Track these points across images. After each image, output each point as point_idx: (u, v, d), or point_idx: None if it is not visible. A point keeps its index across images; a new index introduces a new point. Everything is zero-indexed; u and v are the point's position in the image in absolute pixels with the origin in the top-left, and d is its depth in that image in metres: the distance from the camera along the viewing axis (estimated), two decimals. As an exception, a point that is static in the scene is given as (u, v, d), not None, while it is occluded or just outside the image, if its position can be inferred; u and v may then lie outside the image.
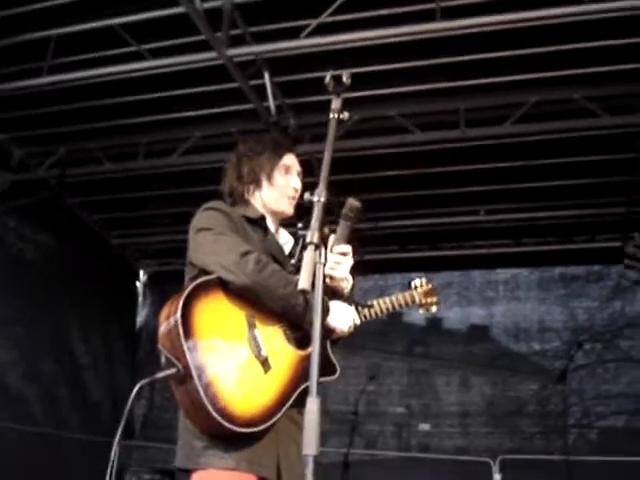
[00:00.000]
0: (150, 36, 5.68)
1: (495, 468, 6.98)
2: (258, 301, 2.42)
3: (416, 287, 3.01)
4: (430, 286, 3.05)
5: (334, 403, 8.70)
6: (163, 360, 2.36)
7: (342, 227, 2.50)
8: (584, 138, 6.14)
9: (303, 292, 1.76)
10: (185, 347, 2.28)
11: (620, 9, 4.76)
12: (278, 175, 2.73)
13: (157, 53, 5.69)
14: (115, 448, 2.33)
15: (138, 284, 9.55)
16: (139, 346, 9.13)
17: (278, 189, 2.72)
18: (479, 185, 7.17)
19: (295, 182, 2.75)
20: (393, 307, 2.85)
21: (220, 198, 2.74)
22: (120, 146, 7.15)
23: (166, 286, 2.33)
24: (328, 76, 2.08)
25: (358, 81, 5.57)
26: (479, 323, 9.09)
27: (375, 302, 2.79)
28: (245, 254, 2.39)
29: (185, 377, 2.28)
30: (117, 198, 8.10)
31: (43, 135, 7.06)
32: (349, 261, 2.61)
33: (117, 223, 8.76)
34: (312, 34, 5.31)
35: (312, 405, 1.68)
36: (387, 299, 2.84)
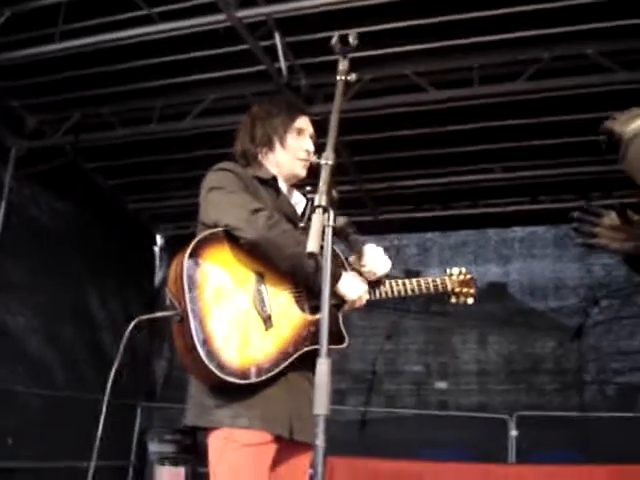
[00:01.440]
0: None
1: (512, 424, 7.04)
2: (267, 259, 2.44)
3: (451, 275, 2.92)
4: (469, 276, 2.94)
5: (352, 362, 8.78)
6: (167, 302, 2.41)
7: (349, 244, 2.52)
8: (599, 94, 6.06)
9: (312, 255, 1.77)
10: (186, 290, 2.32)
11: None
12: (291, 138, 2.76)
13: (167, 16, 5.65)
14: (106, 398, 2.37)
15: (155, 248, 9.61)
16: (157, 309, 9.21)
17: (291, 151, 2.75)
18: (494, 143, 7.12)
19: (308, 144, 2.78)
20: (420, 289, 2.80)
21: (233, 160, 2.76)
22: (133, 110, 7.14)
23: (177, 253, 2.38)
24: (334, 37, 2.07)
25: (370, 40, 5.56)
26: (495, 281, 9.10)
27: (401, 282, 2.77)
28: (256, 211, 2.42)
29: (183, 320, 2.31)
30: (132, 163, 8.12)
31: (56, 102, 7.06)
32: (381, 256, 2.65)
33: (132, 188, 8.79)
34: (322, -7, 5.27)
35: (322, 366, 1.71)
36: (415, 280, 2.80)
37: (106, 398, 2.42)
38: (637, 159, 2.05)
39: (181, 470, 7.73)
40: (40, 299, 7.46)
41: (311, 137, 2.82)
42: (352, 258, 2.68)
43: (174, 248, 9.21)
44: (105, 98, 6.95)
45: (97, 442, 2.45)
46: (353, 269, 2.70)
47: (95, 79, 6.62)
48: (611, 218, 2.21)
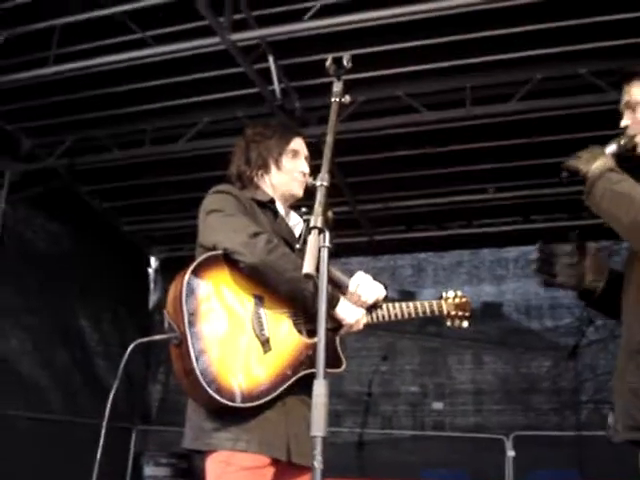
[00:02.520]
0: (153, 23, 5.68)
1: (509, 445, 7.02)
2: (266, 283, 2.44)
3: (447, 298, 2.93)
4: (464, 300, 2.95)
5: (348, 384, 8.75)
6: (166, 325, 2.40)
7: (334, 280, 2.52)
8: (591, 114, 6.10)
9: (308, 276, 1.78)
10: (185, 313, 2.32)
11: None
12: (286, 159, 2.77)
13: (161, 40, 5.70)
14: (104, 425, 2.36)
15: (150, 270, 9.59)
16: (151, 332, 9.19)
17: (287, 173, 2.76)
18: (487, 163, 7.16)
19: (303, 166, 2.80)
20: (416, 313, 2.81)
21: (228, 182, 2.77)
22: (127, 133, 7.17)
23: (177, 272, 2.36)
24: (329, 60, 2.09)
25: (363, 62, 5.61)
26: (490, 301, 9.10)
27: (398, 305, 2.78)
28: (255, 235, 2.43)
29: (181, 343, 2.31)
30: (126, 185, 8.13)
31: (51, 125, 7.09)
32: (371, 285, 2.64)
33: (127, 210, 8.80)
34: (316, 16, 5.31)
35: (320, 387, 1.71)
36: (411, 304, 2.81)
37: (105, 423, 2.41)
38: (601, 197, 2.21)
39: (176, 494, 7.68)
40: (33, 322, 7.44)
41: (306, 158, 2.84)
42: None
43: (169, 270, 9.20)
44: (99, 121, 6.98)
45: (96, 466, 2.44)
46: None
47: (89, 102, 6.65)
48: (568, 253, 2.32)
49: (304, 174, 2.78)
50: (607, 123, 6.52)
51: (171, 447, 8.24)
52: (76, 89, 6.42)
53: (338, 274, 2.55)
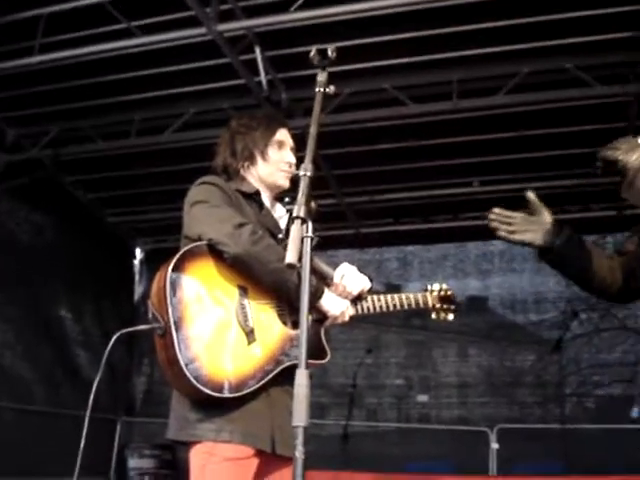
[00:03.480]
0: (139, 13, 5.63)
1: (493, 437, 7.06)
2: (250, 273, 2.43)
3: (432, 291, 2.93)
4: (449, 292, 2.95)
5: (333, 376, 8.76)
6: (150, 316, 2.39)
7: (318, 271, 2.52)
8: (577, 108, 6.13)
9: (291, 266, 1.77)
10: (169, 303, 2.31)
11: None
12: (272, 150, 2.76)
13: (147, 30, 5.66)
14: (87, 416, 2.36)
15: (134, 262, 9.55)
16: (136, 323, 9.12)
17: (272, 164, 2.75)
18: (473, 156, 7.18)
19: (289, 157, 2.78)
20: (401, 305, 2.80)
21: (214, 174, 2.76)
22: (113, 124, 7.13)
23: (162, 263, 2.36)
24: (313, 50, 2.09)
25: (350, 54, 5.60)
26: (475, 295, 9.14)
27: (383, 297, 2.76)
28: (240, 226, 2.42)
29: (165, 333, 2.30)
30: (111, 176, 8.09)
31: (36, 115, 7.04)
32: (356, 277, 2.64)
33: (112, 201, 8.76)
34: (302, 7, 5.29)
35: (301, 377, 1.71)
36: (396, 296, 2.80)
37: (88, 413, 2.39)
38: None
39: (161, 485, 7.69)
40: (16, 314, 7.41)
41: (292, 149, 2.82)
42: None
43: (153, 262, 9.17)
44: (84, 111, 6.93)
45: (79, 457, 2.42)
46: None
47: (74, 92, 6.60)
48: (525, 212, 2.36)
49: (290, 165, 2.77)
50: (593, 117, 6.60)
51: (155, 439, 8.24)
52: (61, 79, 6.38)
53: (322, 266, 2.55)
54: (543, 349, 8.19)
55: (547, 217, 2.35)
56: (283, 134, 2.81)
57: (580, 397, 8.54)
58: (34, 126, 7.22)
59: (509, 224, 2.34)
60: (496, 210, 2.35)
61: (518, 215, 2.35)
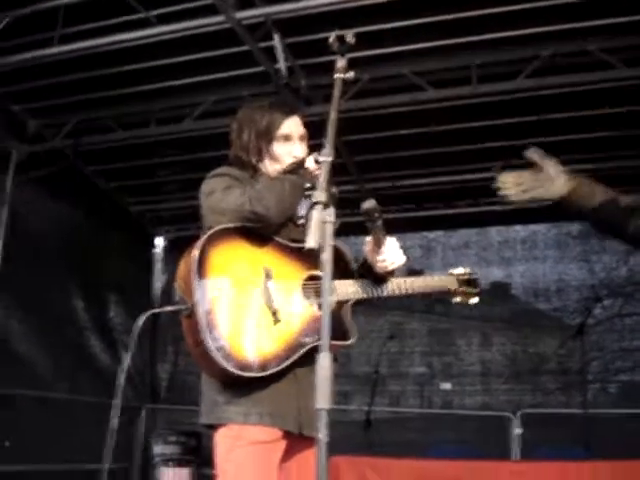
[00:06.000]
0: (157, 2, 5.65)
1: (516, 422, 7.04)
2: (282, 222, 2.52)
3: (456, 274, 2.91)
4: (473, 276, 2.93)
5: (357, 365, 8.78)
6: (177, 298, 2.43)
7: (374, 230, 2.49)
8: (600, 90, 6.06)
9: (312, 250, 1.78)
10: (195, 284, 2.35)
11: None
12: (277, 145, 2.73)
13: (165, 19, 5.67)
14: (119, 401, 2.39)
15: (156, 251, 9.58)
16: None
17: (279, 159, 2.72)
18: (493, 141, 7.13)
19: (296, 150, 2.73)
20: (425, 288, 2.81)
21: (229, 164, 2.77)
22: (133, 114, 7.16)
23: (183, 251, 2.37)
24: (332, 36, 2.09)
25: (369, 40, 5.57)
26: (498, 282, 9.11)
27: (409, 280, 2.77)
28: (250, 198, 2.47)
29: (192, 314, 2.33)
30: (132, 165, 8.14)
31: (57, 105, 7.08)
32: (398, 250, 2.66)
33: (133, 190, 8.81)
34: (321, -7, 5.29)
35: (324, 360, 1.72)
36: (421, 278, 2.81)
37: (118, 401, 2.44)
38: None
39: (185, 471, 7.74)
40: (41, 303, 7.44)
41: (301, 139, 2.78)
42: (368, 245, 2.65)
43: (175, 250, 9.22)
44: (104, 101, 6.96)
45: (111, 444, 2.46)
46: (363, 265, 2.71)
47: (94, 82, 6.63)
48: (529, 169, 2.36)
49: (297, 158, 2.71)
50: (616, 100, 6.52)
51: (179, 425, 8.31)
52: (81, 69, 6.40)
53: (380, 224, 2.53)
54: (566, 335, 8.14)
55: (554, 169, 2.33)
56: (289, 126, 2.75)
57: (603, 382, 8.51)
58: (55, 116, 7.27)
59: (517, 185, 2.31)
60: (501, 176, 2.32)
61: (524, 174, 2.33)
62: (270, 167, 2.74)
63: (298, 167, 2.43)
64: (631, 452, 5.27)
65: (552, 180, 2.30)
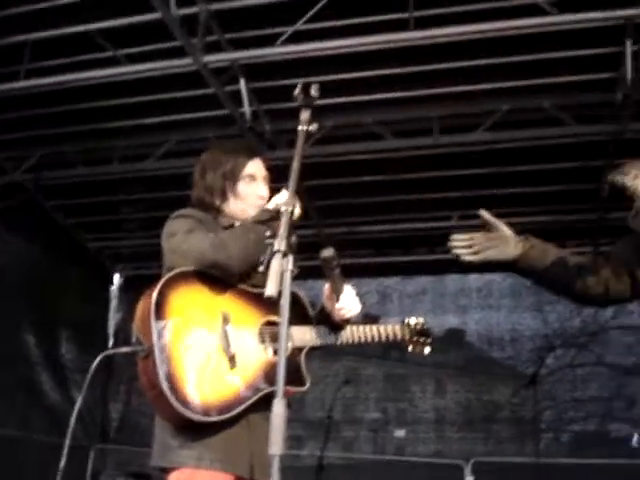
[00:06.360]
0: (126, 41, 5.70)
1: (467, 471, 7.05)
2: (243, 273, 2.52)
3: (409, 324, 2.93)
4: (425, 327, 2.96)
5: (311, 410, 8.74)
6: (134, 339, 2.42)
7: (332, 278, 2.53)
8: (555, 146, 6.25)
9: (270, 298, 1.81)
10: (153, 326, 2.35)
11: (590, 20, 4.90)
12: (242, 185, 2.76)
13: (133, 58, 5.73)
14: (68, 440, 2.37)
15: (112, 288, 9.49)
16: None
17: (244, 200, 2.75)
18: (452, 191, 7.27)
19: (261, 190, 2.77)
20: (379, 337, 2.82)
21: (191, 206, 2.79)
22: (95, 150, 7.15)
23: (141, 290, 2.37)
24: (297, 89, 2.13)
25: (333, 88, 5.68)
26: (454, 329, 9.18)
27: (362, 328, 2.79)
28: (213, 244, 2.48)
29: (149, 355, 2.33)
30: (93, 202, 8.10)
31: (19, 139, 7.04)
32: (354, 298, 2.70)
33: (93, 227, 8.74)
34: (287, 41, 5.37)
35: (278, 406, 1.74)
36: (375, 327, 2.82)
37: (67, 440, 2.41)
38: None
39: (134, 514, 7.58)
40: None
41: (264, 180, 2.83)
42: (326, 292, 2.69)
43: (133, 288, 9.14)
44: (68, 137, 6.96)
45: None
46: (320, 312, 2.74)
47: (58, 118, 6.64)
48: (482, 230, 2.42)
49: (262, 197, 2.76)
50: (571, 155, 6.71)
51: (129, 466, 8.15)
52: (46, 104, 6.40)
53: (338, 272, 2.55)
54: (519, 384, 8.22)
55: (506, 231, 2.40)
56: (253, 167, 2.80)
57: (555, 432, 8.58)
58: (16, 150, 7.22)
59: (470, 246, 2.37)
60: (454, 236, 2.38)
61: (477, 235, 2.39)
62: (234, 206, 2.76)
63: (271, 218, 2.44)
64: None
65: (504, 242, 2.36)
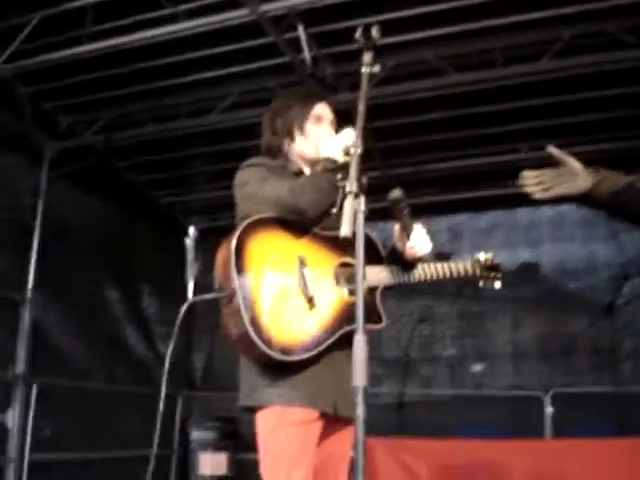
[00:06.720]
0: (184, -3, 5.75)
1: (547, 402, 7.08)
2: (319, 219, 2.59)
3: (478, 260, 2.97)
4: (495, 261, 3.00)
5: (388, 349, 8.84)
6: (215, 286, 2.53)
7: (401, 218, 2.58)
8: (622, 70, 6.07)
9: (345, 238, 1.88)
10: (234, 272, 2.46)
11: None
12: (310, 125, 2.85)
13: (192, 14, 5.77)
14: (163, 389, 2.49)
15: (187, 241, 9.67)
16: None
17: (311, 139, 2.83)
18: (519, 123, 7.15)
19: (327, 131, 2.86)
20: (451, 274, 2.88)
21: (260, 154, 2.86)
22: (161, 107, 7.28)
23: (215, 241, 2.45)
24: (358, 32, 2.16)
25: (392, 26, 5.61)
26: (527, 263, 9.10)
27: (433, 266, 2.85)
28: (290, 189, 2.56)
29: (231, 301, 2.43)
30: (162, 158, 8.27)
31: (87, 102, 7.21)
32: (425, 237, 2.75)
33: (164, 183, 8.94)
34: (343, -17, 5.35)
35: (359, 341, 1.82)
36: (445, 264, 2.88)
37: (163, 389, 2.54)
38: None
39: (223, 456, 7.88)
40: (77, 296, 7.63)
41: (331, 123, 2.89)
42: (397, 232, 2.75)
43: (207, 240, 9.29)
44: (134, 96, 7.08)
45: (157, 433, 2.58)
46: (392, 252, 2.80)
47: (123, 78, 6.75)
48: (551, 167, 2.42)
49: (330, 135, 2.83)
50: (638, 79, 6.49)
51: (215, 412, 8.45)
52: (110, 66, 6.51)
53: (407, 212, 2.61)
54: (596, 314, 8.14)
55: (575, 165, 2.40)
56: (320, 108, 2.89)
57: (634, 361, 8.49)
58: (85, 113, 7.41)
59: (540, 183, 2.38)
60: (524, 173, 2.39)
61: (547, 172, 2.40)
62: (301, 146, 2.85)
63: (337, 168, 2.50)
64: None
65: (574, 176, 2.37)
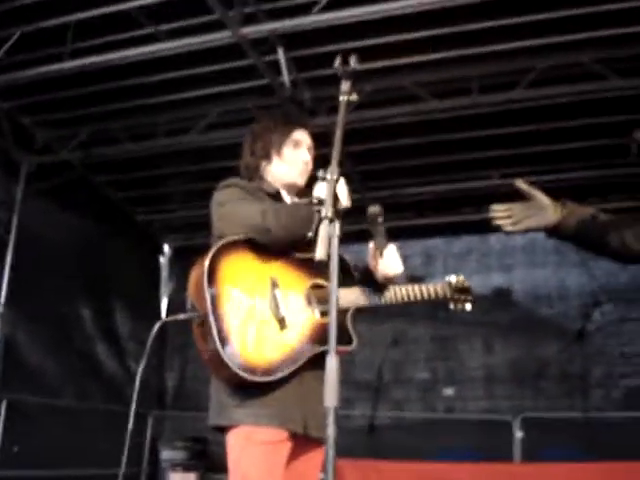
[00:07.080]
0: (165, 18, 5.80)
1: (517, 426, 7.12)
2: (289, 245, 2.62)
3: (450, 282, 2.98)
4: (466, 284, 3.00)
5: (361, 372, 8.84)
6: (188, 306, 2.56)
7: (376, 233, 2.63)
8: (594, 101, 6.20)
9: (321, 263, 1.92)
10: (206, 292, 2.47)
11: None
12: (287, 150, 2.90)
13: (173, 34, 5.83)
14: (133, 407, 2.51)
15: (162, 259, 9.67)
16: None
17: (287, 163, 2.89)
18: (493, 150, 7.26)
19: (304, 156, 2.91)
20: (422, 296, 2.89)
21: (238, 176, 2.90)
22: (140, 126, 7.31)
23: (190, 260, 2.48)
24: (336, 60, 2.20)
25: (371, 53, 5.69)
26: (499, 288, 9.17)
27: (404, 288, 2.87)
28: (263, 211, 2.59)
29: (204, 322, 2.46)
30: (139, 176, 8.29)
31: (65, 118, 7.24)
32: (397, 256, 2.80)
33: (140, 201, 8.95)
34: (324, 9, 5.42)
35: (331, 362, 1.85)
36: (416, 287, 2.89)
37: (132, 407, 2.55)
38: None
39: (192, 476, 7.84)
40: (50, 312, 7.58)
41: (309, 149, 2.95)
42: (370, 250, 2.80)
43: (182, 259, 9.32)
44: (113, 114, 7.11)
45: (125, 450, 2.59)
46: (364, 272, 2.84)
47: (103, 96, 6.79)
48: (521, 201, 2.47)
49: (305, 163, 2.90)
50: (610, 110, 6.65)
51: (186, 431, 8.41)
52: (90, 83, 6.55)
53: (382, 229, 2.66)
54: (567, 340, 8.22)
55: (543, 199, 2.46)
56: (300, 134, 2.94)
57: (605, 388, 8.55)
58: (64, 129, 7.43)
59: (510, 216, 2.44)
60: (494, 207, 2.45)
61: (516, 205, 2.46)
62: (277, 169, 2.89)
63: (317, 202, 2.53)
64: (633, 454, 5.34)
65: (542, 210, 2.43)
